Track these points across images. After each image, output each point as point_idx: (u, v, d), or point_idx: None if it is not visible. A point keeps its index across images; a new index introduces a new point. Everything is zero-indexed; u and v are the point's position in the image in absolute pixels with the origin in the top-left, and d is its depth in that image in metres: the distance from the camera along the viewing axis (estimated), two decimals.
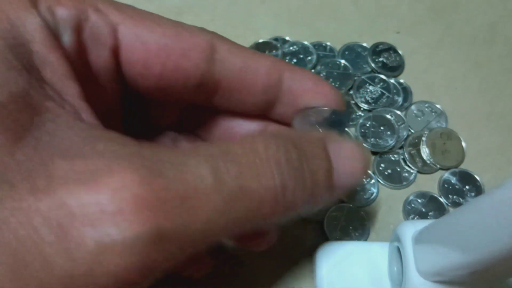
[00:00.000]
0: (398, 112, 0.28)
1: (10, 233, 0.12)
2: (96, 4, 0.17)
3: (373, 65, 0.30)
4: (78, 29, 0.17)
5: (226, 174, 0.14)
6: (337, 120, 0.20)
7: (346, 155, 0.17)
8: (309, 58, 0.30)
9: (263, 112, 0.20)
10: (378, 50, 0.31)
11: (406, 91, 0.30)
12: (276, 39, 0.31)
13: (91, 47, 0.17)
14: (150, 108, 0.22)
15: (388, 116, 0.28)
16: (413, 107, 0.29)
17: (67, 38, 0.16)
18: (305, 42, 0.31)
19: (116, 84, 0.19)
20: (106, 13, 0.17)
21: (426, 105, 0.29)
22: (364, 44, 0.31)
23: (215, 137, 0.22)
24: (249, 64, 0.19)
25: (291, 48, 0.31)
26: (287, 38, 0.32)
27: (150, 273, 0.13)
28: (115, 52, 0.18)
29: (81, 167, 0.12)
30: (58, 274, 0.12)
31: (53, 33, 0.15)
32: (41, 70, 0.15)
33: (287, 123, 0.21)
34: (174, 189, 0.13)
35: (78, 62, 0.17)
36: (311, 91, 0.20)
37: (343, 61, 0.30)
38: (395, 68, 0.30)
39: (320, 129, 0.20)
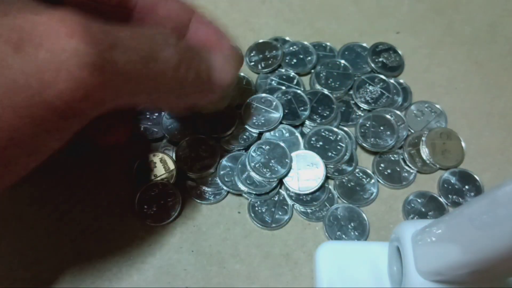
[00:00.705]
0: (398, 112, 0.28)
1: None
2: None
3: (372, 65, 0.30)
4: None
5: (140, 38, 0.18)
6: None
7: (222, 58, 0.22)
8: (309, 58, 0.30)
9: None
10: (378, 50, 0.31)
11: (406, 91, 0.30)
12: (276, 39, 0.31)
13: None
14: None
15: (388, 116, 0.28)
16: (412, 107, 0.29)
17: None
18: (305, 42, 0.31)
19: None
20: None
21: (426, 105, 0.29)
22: (364, 44, 0.31)
23: None
24: (162, 4, 0.23)
25: (291, 48, 0.31)
26: (287, 38, 0.32)
27: (90, 100, 0.16)
28: None
29: (30, 5, 0.15)
30: (16, 80, 0.14)
31: None
32: None
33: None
34: (104, 32, 0.16)
35: None
36: (213, 44, 0.23)
37: (343, 61, 0.30)
38: (395, 68, 0.30)
39: None
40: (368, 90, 0.29)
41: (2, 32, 0.14)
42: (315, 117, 0.28)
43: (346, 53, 0.31)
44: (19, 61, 0.14)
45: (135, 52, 0.17)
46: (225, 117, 0.27)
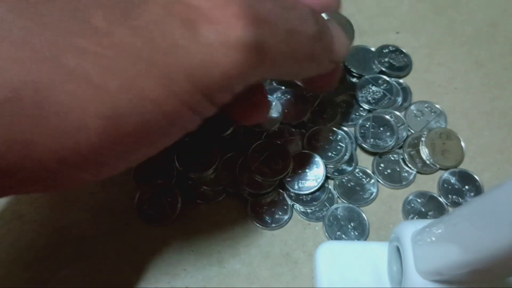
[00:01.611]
0: (398, 113, 0.28)
1: (151, 19, 0.14)
2: None
3: (380, 66, 0.30)
4: None
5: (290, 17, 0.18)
6: None
7: (338, 33, 0.22)
8: None
9: None
10: (384, 52, 0.31)
11: (405, 91, 0.30)
12: None
13: None
14: None
15: (388, 117, 0.28)
16: (412, 107, 0.29)
17: None
18: None
19: None
20: None
21: (426, 105, 0.29)
22: (372, 49, 0.31)
23: None
24: None
25: None
26: None
27: (244, 79, 0.16)
28: None
29: None
30: (184, 62, 0.15)
31: None
32: None
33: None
34: (267, 15, 0.16)
35: None
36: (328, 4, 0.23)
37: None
38: (403, 68, 0.30)
39: None
40: (370, 90, 0.29)
41: (179, 10, 0.15)
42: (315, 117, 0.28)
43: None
44: (193, 42, 0.14)
45: (283, 26, 0.17)
46: None
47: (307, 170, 0.26)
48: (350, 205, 0.26)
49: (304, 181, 0.26)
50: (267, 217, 0.25)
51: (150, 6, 0.15)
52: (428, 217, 0.26)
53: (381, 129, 0.27)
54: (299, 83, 0.28)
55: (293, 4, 0.18)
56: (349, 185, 0.26)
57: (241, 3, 0.15)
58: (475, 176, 0.27)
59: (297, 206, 0.26)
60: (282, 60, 0.18)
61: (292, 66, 0.19)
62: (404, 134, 0.28)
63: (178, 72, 0.14)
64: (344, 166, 0.27)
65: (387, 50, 0.31)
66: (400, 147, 0.28)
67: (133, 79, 0.14)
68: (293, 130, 0.27)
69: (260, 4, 0.16)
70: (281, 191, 0.26)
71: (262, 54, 0.16)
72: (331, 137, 0.27)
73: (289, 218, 0.26)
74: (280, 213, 0.26)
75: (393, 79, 0.30)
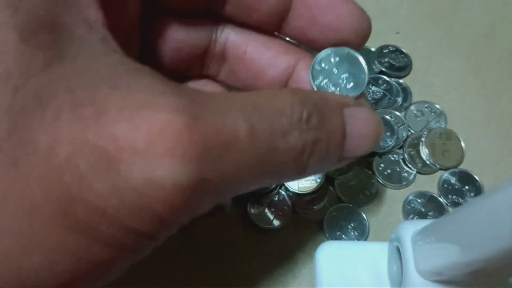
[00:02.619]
0: (398, 113, 0.28)
1: (57, 161, 0.11)
2: None
3: (380, 66, 0.30)
4: None
5: (259, 130, 0.13)
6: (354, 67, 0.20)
7: (360, 124, 0.17)
8: None
9: (277, 25, 0.19)
10: (384, 52, 0.31)
11: (405, 91, 0.30)
12: None
13: None
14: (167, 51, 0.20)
15: (388, 117, 0.28)
16: (412, 107, 0.29)
17: None
18: None
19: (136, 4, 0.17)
20: None
21: (426, 105, 0.29)
22: (372, 49, 0.31)
23: (240, 81, 0.21)
24: None
25: None
26: (287, 39, 0.32)
27: (183, 218, 0.13)
28: None
29: (129, 100, 0.12)
30: (104, 208, 0.11)
31: None
32: None
33: (300, 39, 0.20)
34: (215, 137, 0.12)
35: None
36: (325, 4, 0.18)
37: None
38: (403, 68, 0.30)
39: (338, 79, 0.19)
40: (370, 91, 0.29)
41: (96, 145, 0.11)
42: None
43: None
44: (108, 182, 0.11)
45: (251, 149, 0.13)
46: None
47: None
48: (350, 205, 0.26)
49: (304, 181, 0.26)
50: (268, 217, 0.25)
51: (56, 143, 0.11)
52: (428, 217, 0.26)
53: None
54: None
55: (275, 109, 0.14)
56: (349, 185, 0.26)
57: (183, 132, 0.12)
58: (475, 176, 0.27)
59: (297, 206, 0.26)
60: (248, 186, 0.14)
61: (268, 183, 0.15)
62: (404, 134, 0.28)
63: (100, 218, 0.11)
64: (344, 166, 0.27)
65: (387, 50, 0.31)
66: (400, 147, 0.28)
67: (39, 235, 0.11)
68: None
69: (221, 127, 0.13)
70: (281, 191, 0.26)
71: (211, 190, 0.13)
72: None
73: (289, 218, 0.26)
74: (280, 213, 0.26)
75: (393, 79, 0.30)
